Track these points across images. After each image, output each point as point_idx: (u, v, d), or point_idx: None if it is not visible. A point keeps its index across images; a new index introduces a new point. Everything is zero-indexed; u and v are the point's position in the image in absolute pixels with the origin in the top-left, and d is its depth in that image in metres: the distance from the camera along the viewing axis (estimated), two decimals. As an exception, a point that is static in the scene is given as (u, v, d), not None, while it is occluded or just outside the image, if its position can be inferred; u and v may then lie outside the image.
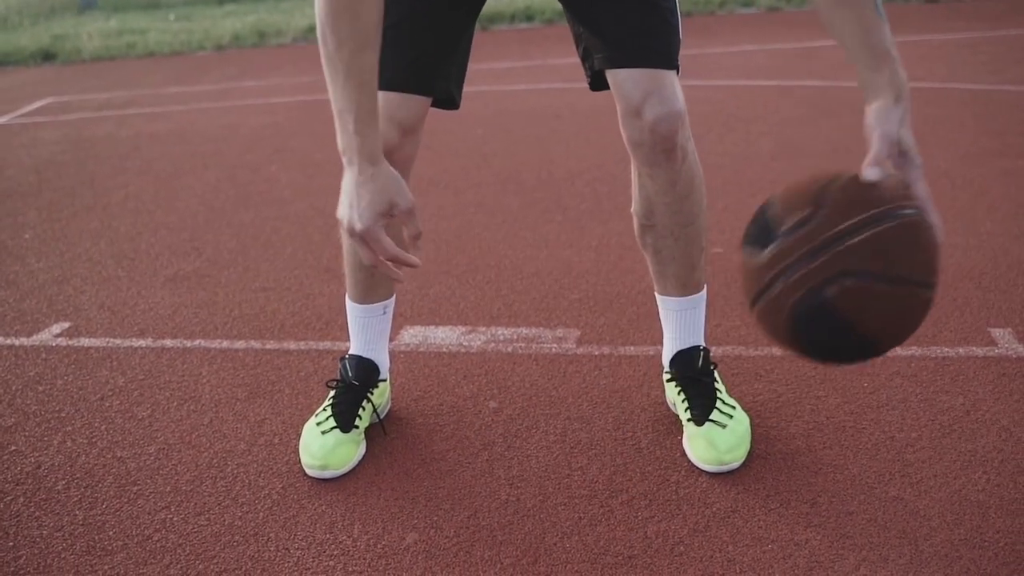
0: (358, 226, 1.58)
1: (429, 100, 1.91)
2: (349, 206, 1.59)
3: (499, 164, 4.37)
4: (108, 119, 6.21)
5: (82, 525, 1.92)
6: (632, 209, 2.01)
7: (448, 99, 1.94)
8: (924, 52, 6.43)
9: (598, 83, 1.90)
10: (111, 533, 1.89)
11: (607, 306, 2.74)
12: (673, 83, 1.81)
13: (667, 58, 1.81)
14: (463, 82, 1.98)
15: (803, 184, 1.42)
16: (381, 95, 1.83)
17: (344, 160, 1.60)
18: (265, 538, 1.84)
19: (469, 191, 3.98)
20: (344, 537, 1.82)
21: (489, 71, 6.52)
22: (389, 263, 1.62)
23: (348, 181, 1.60)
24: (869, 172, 1.37)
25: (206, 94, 6.82)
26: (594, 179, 3.98)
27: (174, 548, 1.83)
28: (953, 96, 5.09)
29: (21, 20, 11.48)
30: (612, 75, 1.83)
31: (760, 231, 1.41)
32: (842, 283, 1.32)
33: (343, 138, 1.59)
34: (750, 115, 4.95)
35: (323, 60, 1.57)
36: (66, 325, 2.90)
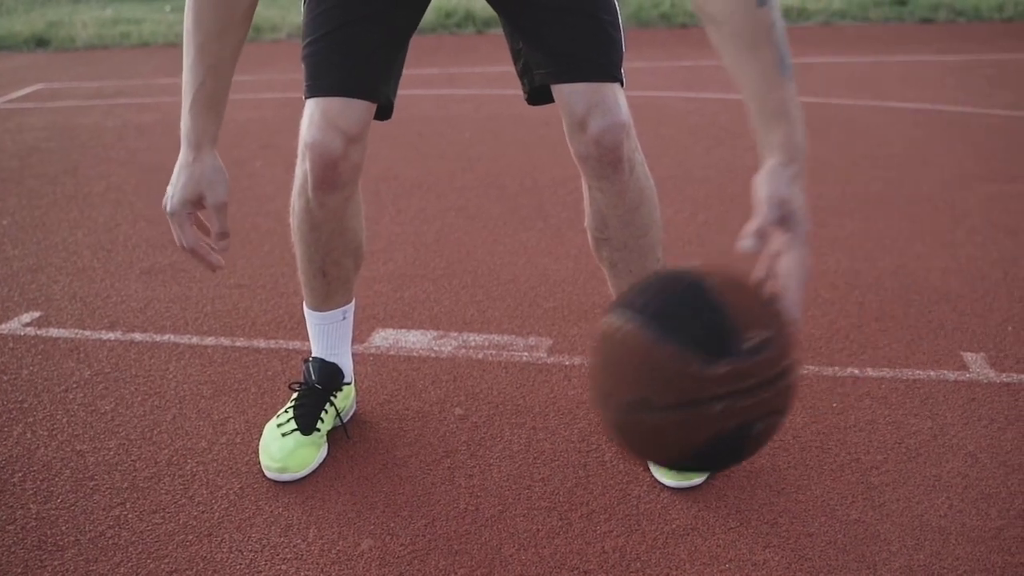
0: (167, 207, 1.63)
1: (373, 107, 1.86)
2: (171, 185, 1.64)
3: (484, 169, 4.35)
4: (96, 108, 6.17)
5: (35, 519, 1.89)
6: (585, 223, 2.01)
7: (388, 106, 1.91)
8: (914, 73, 6.44)
9: (536, 97, 1.89)
10: (64, 528, 1.86)
11: (581, 316, 2.72)
12: (616, 95, 1.80)
13: (609, 71, 1.80)
14: (397, 89, 1.95)
15: (753, 294, 1.29)
16: (323, 102, 1.81)
17: (182, 137, 1.64)
18: (219, 538, 1.81)
19: (452, 195, 3.96)
20: (299, 540, 1.80)
21: (483, 75, 6.50)
22: (199, 252, 1.66)
23: (178, 161, 1.64)
24: (745, 243, 1.28)
25: (196, 87, 6.78)
26: (577, 188, 3.93)
27: (126, 546, 1.80)
28: (941, 119, 5.10)
29: (16, 5, 11.43)
30: (556, 90, 1.83)
31: (712, 335, 1.20)
32: (768, 421, 1.25)
33: (183, 115, 1.61)
34: (739, 129, 4.94)
35: (184, 35, 1.61)
36: (36, 315, 2.87)
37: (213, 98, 1.61)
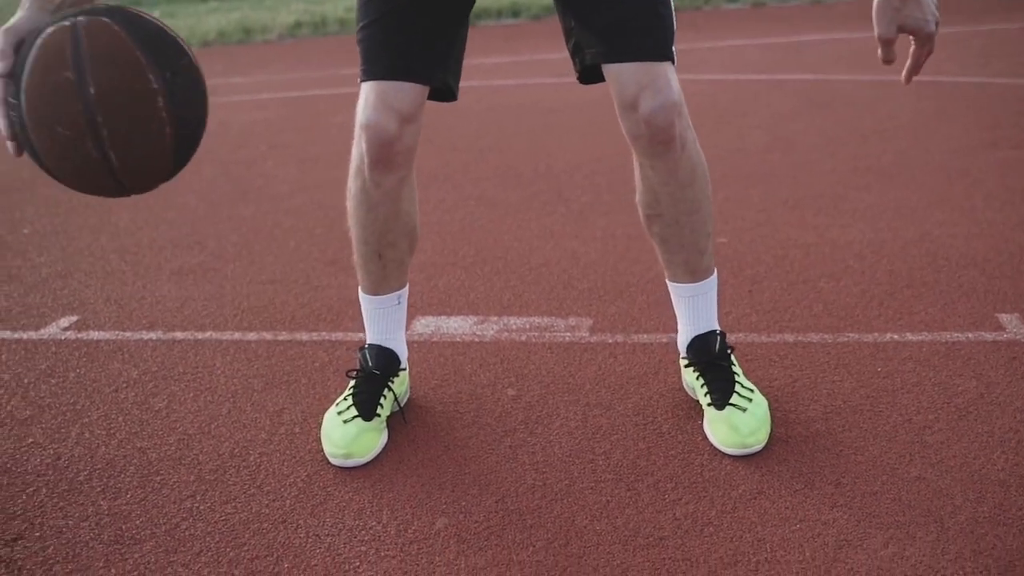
0: None
1: (427, 89, 1.90)
2: None
3: (496, 158, 4.39)
4: (97, 116, 6.17)
5: (108, 515, 1.92)
6: (636, 199, 2.03)
7: (446, 89, 1.94)
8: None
9: (588, 76, 1.92)
10: (138, 522, 1.89)
11: (617, 295, 2.76)
12: (668, 74, 1.82)
13: (661, 50, 1.82)
14: (460, 74, 1.99)
15: None
16: (377, 84, 1.85)
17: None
18: (294, 525, 1.84)
19: (469, 185, 3.99)
20: (373, 523, 1.83)
21: (478, 66, 6.52)
22: None
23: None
24: (885, 62, 1.60)
25: (194, 91, 6.79)
26: (593, 172, 4.00)
27: (203, 536, 1.83)
28: (944, 89, 5.15)
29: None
30: (607, 69, 1.85)
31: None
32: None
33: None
34: (742, 109, 4.98)
35: None
36: (74, 319, 2.90)
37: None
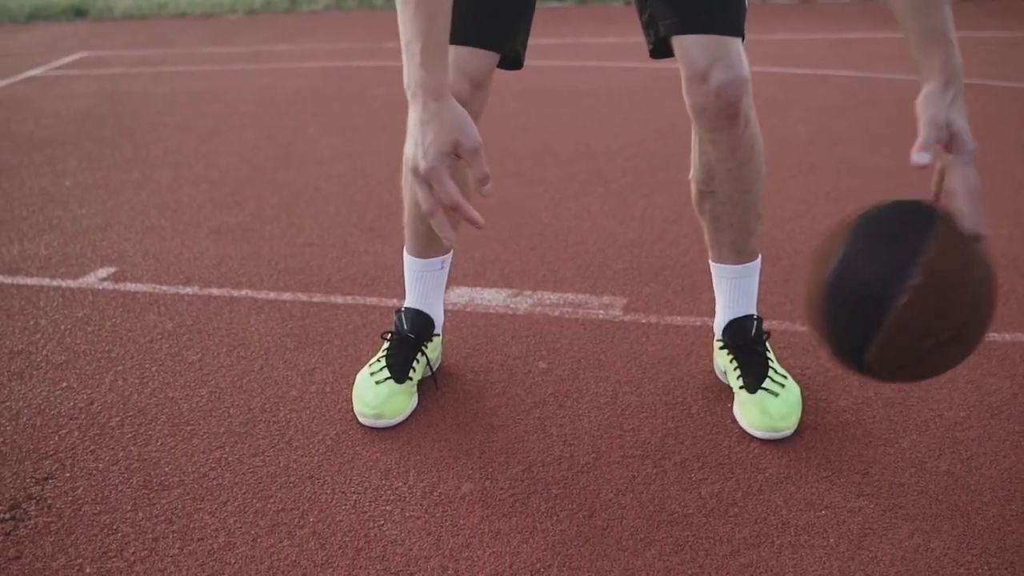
0: (422, 165, 1.46)
1: (497, 57, 1.93)
2: (414, 144, 1.47)
3: (535, 137, 4.38)
4: (143, 75, 6.22)
5: (137, 460, 1.94)
6: (691, 175, 2.02)
7: (515, 58, 1.96)
8: (965, 49, 6.40)
9: (660, 51, 1.91)
10: (167, 469, 1.91)
11: (652, 276, 2.75)
12: (739, 50, 1.82)
13: (733, 25, 1.83)
14: (527, 43, 2.00)
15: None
16: (453, 49, 1.85)
17: (408, 95, 1.51)
18: (321, 481, 1.86)
19: (507, 161, 3.98)
20: (400, 484, 1.84)
21: (523, 46, 6.48)
22: (445, 216, 1.51)
23: (413, 118, 1.50)
24: (918, 157, 1.37)
25: (240, 56, 6.82)
26: (634, 155, 3.99)
27: (231, 486, 1.85)
28: (991, 93, 5.08)
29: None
30: (678, 41, 1.84)
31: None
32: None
33: (409, 71, 1.50)
34: (787, 101, 4.94)
35: None
36: (112, 270, 2.92)
37: (440, 47, 1.50)
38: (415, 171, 1.48)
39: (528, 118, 4.77)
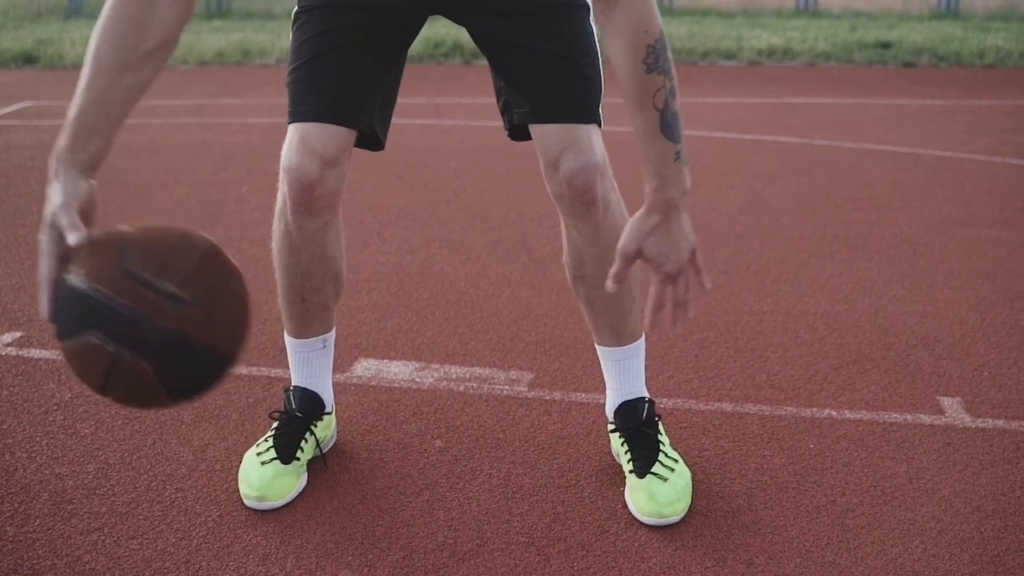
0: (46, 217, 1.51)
1: (352, 134, 1.89)
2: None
3: (468, 200, 4.38)
4: (82, 128, 6.17)
5: (12, 542, 1.89)
6: (563, 260, 2.03)
7: (371, 135, 1.94)
8: (896, 116, 6.52)
9: (518, 134, 1.93)
10: (40, 552, 1.86)
11: (563, 350, 2.74)
12: (590, 136, 1.84)
13: (584, 112, 1.85)
14: (388, 122, 1.99)
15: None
16: (302, 127, 1.85)
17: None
18: (196, 566, 1.81)
19: (436, 225, 3.98)
20: (276, 570, 1.80)
21: (469, 105, 6.53)
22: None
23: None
24: (607, 285, 1.65)
25: (183, 109, 6.80)
26: (559, 222, 3.99)
27: (102, 571, 1.80)
28: (923, 162, 5.16)
29: (5, 22, 11.42)
30: (533, 129, 1.88)
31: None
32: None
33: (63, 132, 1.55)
34: (722, 167, 4.99)
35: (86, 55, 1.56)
36: (17, 335, 2.87)
37: (90, 129, 1.55)
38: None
39: (465, 180, 4.78)
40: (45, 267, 1.48)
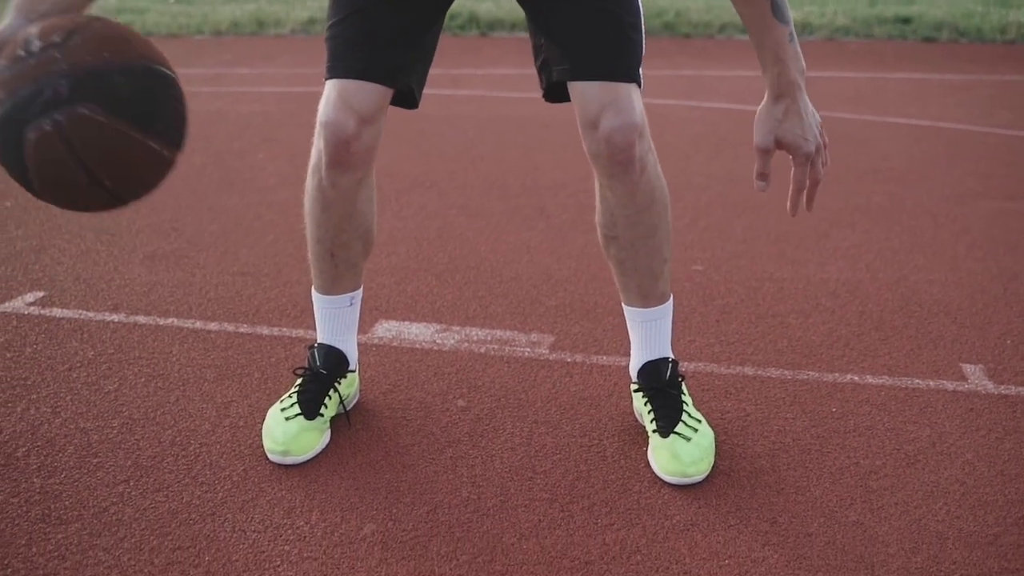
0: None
1: (389, 92, 1.89)
2: None
3: (486, 168, 4.37)
4: (99, 95, 6.17)
5: (39, 493, 1.90)
6: (595, 220, 2.02)
7: (408, 94, 1.94)
8: (916, 90, 6.48)
9: (554, 95, 1.91)
10: (67, 503, 1.87)
11: (583, 315, 2.74)
12: (630, 95, 1.82)
13: (625, 71, 1.83)
14: (424, 82, 1.98)
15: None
16: (340, 83, 1.85)
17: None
18: (222, 518, 1.82)
19: (454, 192, 3.97)
20: (301, 523, 1.81)
21: (485, 76, 6.51)
22: None
23: None
24: (757, 186, 1.70)
25: (199, 77, 6.80)
26: (578, 190, 3.98)
27: (129, 522, 1.81)
28: (945, 135, 5.13)
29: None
30: (572, 87, 1.85)
31: None
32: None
33: None
34: (740, 139, 4.96)
35: None
36: (40, 294, 2.88)
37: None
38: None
39: (483, 149, 4.77)
40: None
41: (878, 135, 5.14)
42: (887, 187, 4.09)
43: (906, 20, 9.14)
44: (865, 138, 5.04)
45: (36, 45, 1.36)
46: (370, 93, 1.84)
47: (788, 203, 1.71)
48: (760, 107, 1.67)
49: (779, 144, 1.66)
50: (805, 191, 1.71)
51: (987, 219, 3.65)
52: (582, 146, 1.89)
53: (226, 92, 6.26)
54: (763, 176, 1.68)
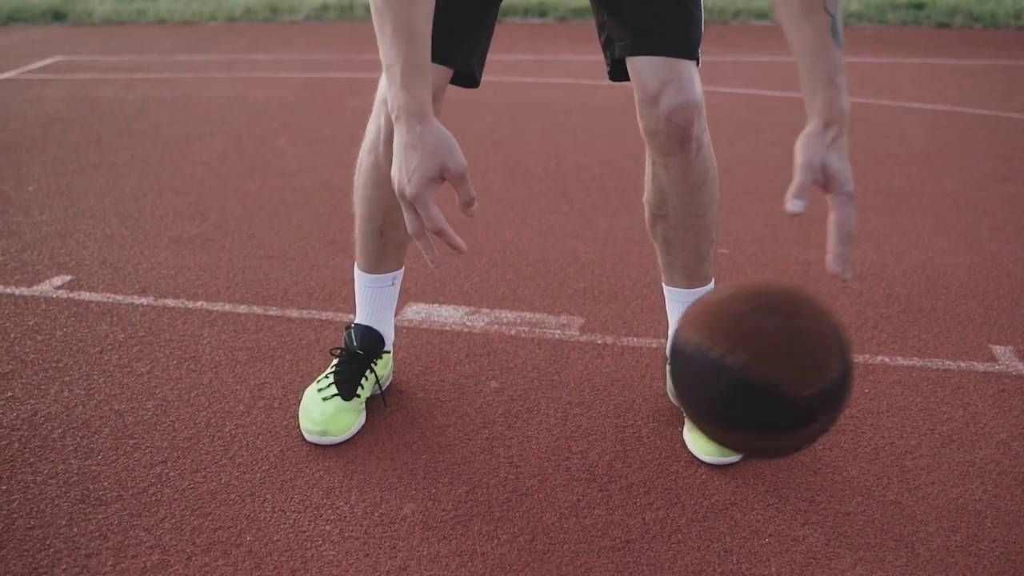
0: (407, 191, 1.45)
1: (450, 72, 1.89)
2: (399, 169, 1.46)
3: (506, 153, 4.37)
4: (115, 81, 6.17)
5: (77, 474, 1.91)
6: (644, 198, 2.01)
7: (469, 75, 1.94)
8: (931, 75, 6.45)
9: (618, 73, 1.90)
10: (106, 484, 1.88)
11: (612, 297, 2.74)
12: (691, 73, 1.81)
13: (687, 48, 1.81)
14: (484, 62, 1.98)
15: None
16: None
17: (393, 118, 1.50)
18: (261, 499, 1.83)
19: (476, 177, 3.94)
20: (341, 503, 1.82)
21: (500, 62, 6.48)
22: (430, 239, 1.53)
23: (397, 141, 1.48)
24: (791, 205, 1.39)
25: (215, 64, 6.79)
26: (601, 174, 3.98)
27: (169, 502, 1.82)
28: (962, 120, 5.11)
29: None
30: (631, 63, 1.83)
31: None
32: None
33: (391, 94, 1.49)
34: (760, 124, 4.95)
35: (372, 13, 1.50)
36: (67, 278, 2.89)
37: (420, 69, 1.48)
38: (400, 195, 1.48)
39: (502, 134, 4.76)
40: (437, 219, 1.48)
41: (895, 120, 5.12)
42: (907, 171, 4.08)
43: (920, 6, 9.09)
44: (883, 123, 5.02)
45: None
46: (433, 73, 1.84)
47: (829, 255, 1.44)
48: (804, 133, 1.45)
49: (824, 169, 1.43)
50: (848, 242, 1.45)
51: (1009, 203, 3.64)
52: (629, 130, 1.88)
53: (243, 78, 6.25)
54: (801, 194, 1.40)
